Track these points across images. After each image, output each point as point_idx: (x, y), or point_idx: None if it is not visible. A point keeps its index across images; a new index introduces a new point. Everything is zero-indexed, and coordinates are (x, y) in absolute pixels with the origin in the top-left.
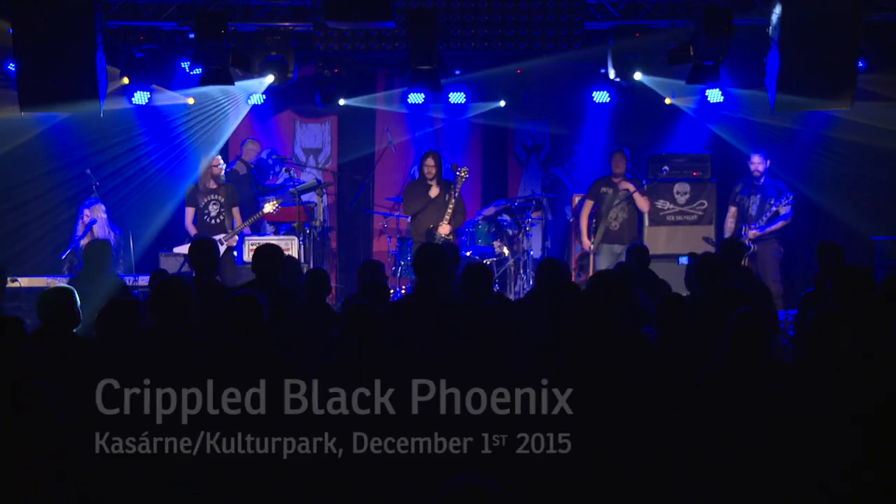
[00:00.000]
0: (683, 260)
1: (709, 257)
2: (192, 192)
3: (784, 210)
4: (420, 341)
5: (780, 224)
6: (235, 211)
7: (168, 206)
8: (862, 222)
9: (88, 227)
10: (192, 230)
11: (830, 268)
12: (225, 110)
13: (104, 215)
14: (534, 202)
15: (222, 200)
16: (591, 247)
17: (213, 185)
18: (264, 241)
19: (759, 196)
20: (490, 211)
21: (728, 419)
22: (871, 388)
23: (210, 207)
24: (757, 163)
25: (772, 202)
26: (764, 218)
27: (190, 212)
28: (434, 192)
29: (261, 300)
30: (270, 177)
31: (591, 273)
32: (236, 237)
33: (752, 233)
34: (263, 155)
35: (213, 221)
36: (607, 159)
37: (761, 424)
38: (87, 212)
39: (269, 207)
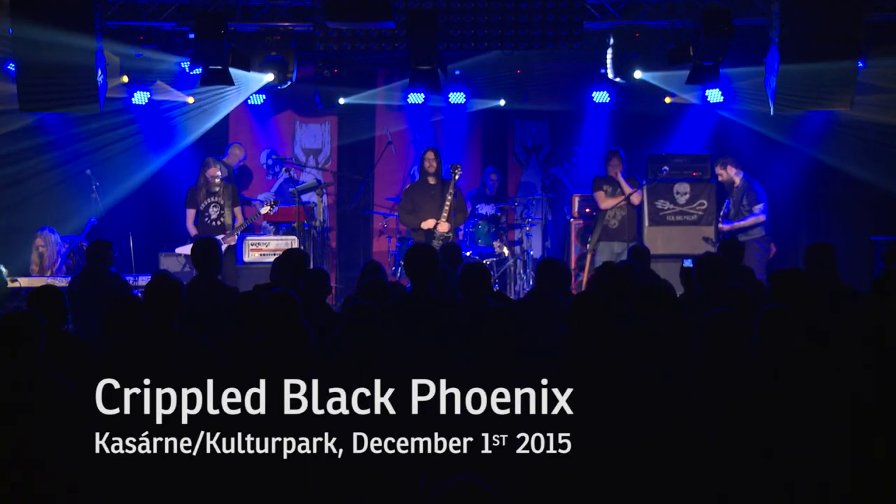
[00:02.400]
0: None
1: (710, 257)
2: (192, 194)
3: (755, 209)
4: (417, 340)
5: (749, 221)
6: (237, 211)
7: (168, 206)
8: (862, 222)
9: (71, 247)
10: (193, 231)
11: (824, 265)
12: (220, 99)
13: (53, 238)
14: (496, 172)
15: (223, 202)
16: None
17: (213, 188)
18: (272, 241)
19: (733, 199)
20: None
21: (716, 418)
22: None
23: (210, 210)
24: (718, 174)
25: (745, 203)
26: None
27: (191, 213)
28: (434, 187)
29: (297, 298)
30: (252, 184)
31: (586, 273)
32: (235, 237)
33: (720, 226)
34: (262, 157)
35: (213, 223)
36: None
37: (747, 422)
38: (39, 241)
39: (266, 209)
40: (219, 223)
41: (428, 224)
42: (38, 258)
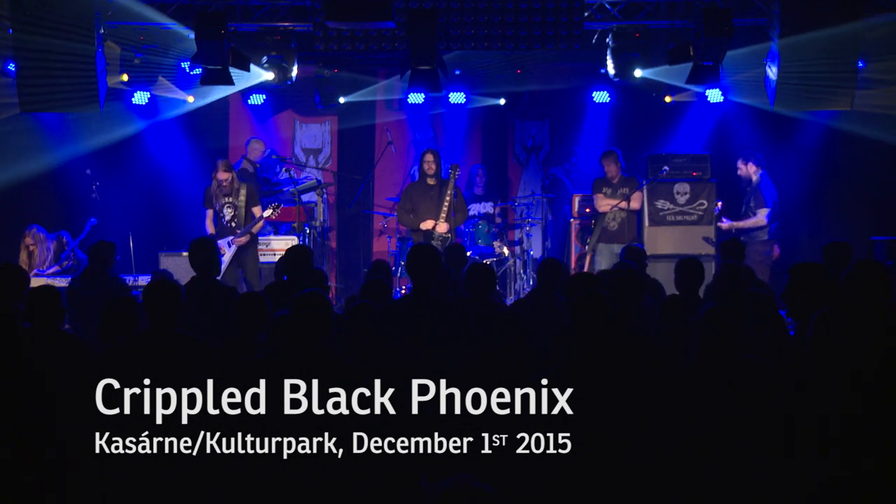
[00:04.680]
0: None
1: (730, 267)
2: (207, 195)
3: (759, 212)
4: (417, 340)
5: (749, 223)
6: (257, 210)
7: (168, 206)
8: (862, 222)
9: (71, 248)
10: (210, 230)
11: (840, 267)
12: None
13: (42, 236)
14: (483, 171)
15: (237, 203)
16: (588, 248)
17: (226, 188)
18: (272, 241)
19: (747, 197)
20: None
21: (705, 418)
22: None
23: (224, 210)
24: (739, 167)
25: (752, 204)
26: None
27: (209, 213)
28: (433, 188)
29: (329, 299)
30: (273, 175)
31: (573, 263)
32: (246, 238)
33: (719, 224)
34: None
35: (227, 224)
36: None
37: (738, 422)
38: (28, 240)
39: (268, 213)
40: (232, 224)
41: (427, 225)
42: (28, 257)
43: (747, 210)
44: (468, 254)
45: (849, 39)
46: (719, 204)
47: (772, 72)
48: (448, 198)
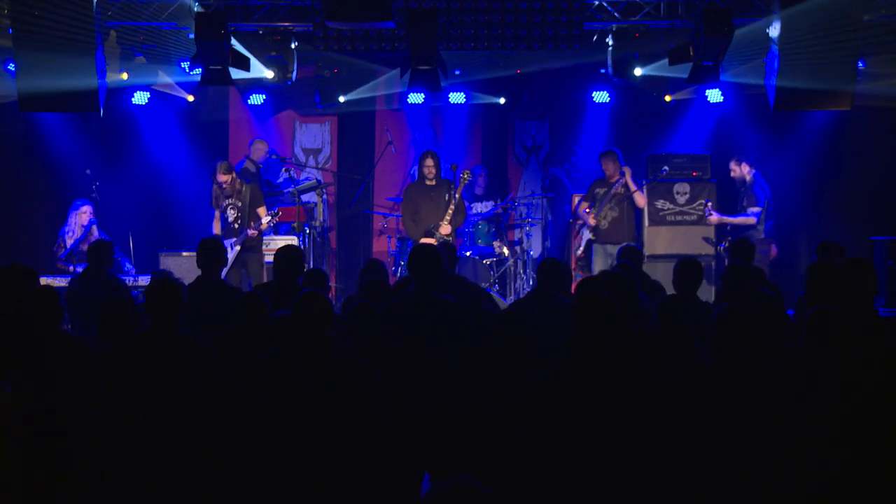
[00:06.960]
0: None
1: (736, 267)
2: (213, 196)
3: (749, 210)
4: (415, 340)
5: (738, 219)
6: (262, 211)
7: (168, 206)
8: (862, 222)
9: (87, 228)
10: (216, 232)
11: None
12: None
13: (90, 209)
14: (484, 172)
15: (240, 205)
16: (593, 221)
17: (227, 190)
18: (272, 241)
19: (741, 197)
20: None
21: (722, 416)
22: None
23: (228, 211)
24: (732, 168)
25: (745, 204)
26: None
27: (216, 214)
28: (433, 189)
29: (331, 301)
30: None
31: (573, 263)
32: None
33: (709, 218)
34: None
35: (231, 225)
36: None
37: (752, 422)
38: (84, 208)
39: (267, 220)
40: (236, 225)
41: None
42: (77, 222)
43: (741, 210)
44: (468, 254)
45: (849, 39)
46: (709, 205)
47: (771, 72)
48: (454, 201)
